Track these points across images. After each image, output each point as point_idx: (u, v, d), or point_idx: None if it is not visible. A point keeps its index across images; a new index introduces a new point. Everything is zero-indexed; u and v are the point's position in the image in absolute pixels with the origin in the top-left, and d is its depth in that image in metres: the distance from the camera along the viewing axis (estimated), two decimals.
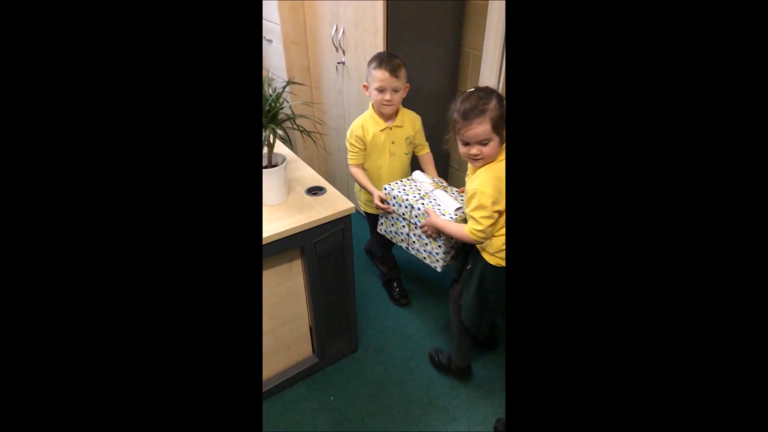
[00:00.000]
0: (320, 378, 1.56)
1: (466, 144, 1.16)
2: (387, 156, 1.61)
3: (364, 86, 1.53)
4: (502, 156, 1.19)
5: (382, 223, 1.58)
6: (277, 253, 1.25)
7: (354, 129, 1.58)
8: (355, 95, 1.96)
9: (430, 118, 1.67)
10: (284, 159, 1.30)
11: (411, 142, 1.61)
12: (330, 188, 1.39)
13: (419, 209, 1.40)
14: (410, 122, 1.60)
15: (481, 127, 1.11)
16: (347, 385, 1.54)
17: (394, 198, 1.47)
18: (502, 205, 1.17)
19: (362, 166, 1.63)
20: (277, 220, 1.25)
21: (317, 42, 2.09)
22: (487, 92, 1.14)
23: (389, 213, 1.51)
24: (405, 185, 1.50)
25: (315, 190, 1.37)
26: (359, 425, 1.41)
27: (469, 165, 1.24)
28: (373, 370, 1.58)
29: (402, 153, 1.61)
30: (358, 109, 1.97)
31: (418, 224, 1.42)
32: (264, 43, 2.40)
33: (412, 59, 1.73)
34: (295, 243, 1.26)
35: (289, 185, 1.36)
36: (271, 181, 1.26)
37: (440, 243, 1.40)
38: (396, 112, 1.57)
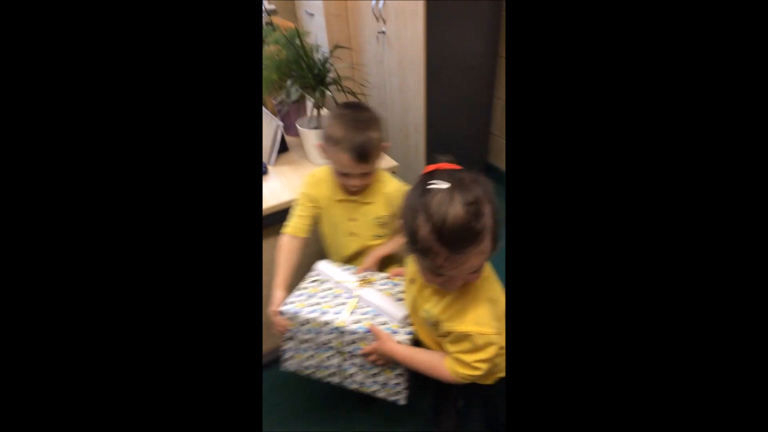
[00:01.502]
0: None
1: (438, 273, 0.72)
2: (344, 237, 1.13)
3: (319, 146, 1.06)
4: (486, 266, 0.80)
5: (289, 357, 1.02)
6: None
7: (307, 181, 1.12)
8: (395, 66, 2.03)
9: (468, 88, 1.68)
10: None
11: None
12: None
13: (355, 332, 0.92)
14: (385, 199, 1.07)
15: (480, 257, 0.70)
16: None
17: (304, 323, 0.95)
18: (503, 339, 0.81)
19: (299, 241, 1.10)
20: None
21: (358, 13, 2.16)
22: (471, 189, 0.68)
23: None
24: (312, 294, 1.00)
25: None
26: None
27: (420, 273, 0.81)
28: None
29: (368, 235, 1.12)
30: (398, 79, 2.03)
31: (357, 352, 0.94)
32: (306, 17, 2.49)
33: (451, 26, 1.77)
34: None
35: None
36: (314, 142, 1.37)
37: (399, 371, 0.95)
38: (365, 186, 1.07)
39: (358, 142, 0.94)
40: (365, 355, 0.93)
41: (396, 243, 1.10)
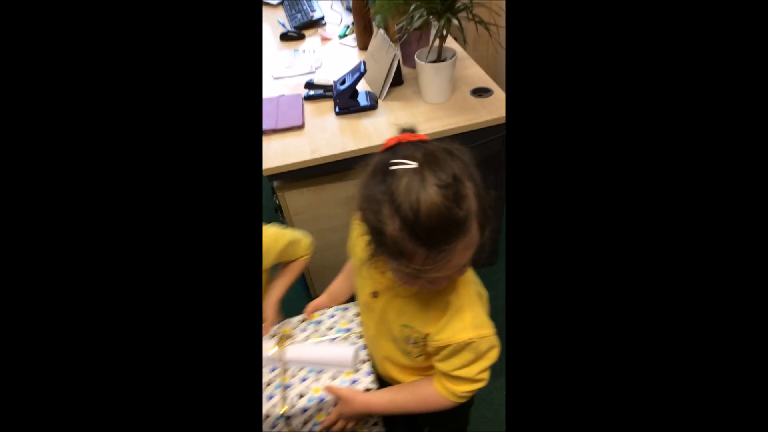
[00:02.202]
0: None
1: (419, 276, 0.55)
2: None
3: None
4: None
5: None
6: None
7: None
8: None
9: None
10: (454, 54, 1.22)
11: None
12: (497, 90, 1.28)
13: (306, 408, 0.74)
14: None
15: (468, 252, 0.55)
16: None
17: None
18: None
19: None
20: (437, 119, 1.21)
21: None
22: (445, 164, 0.51)
23: None
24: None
25: (481, 92, 1.28)
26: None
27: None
28: None
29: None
30: None
31: (318, 429, 0.78)
32: None
33: None
34: None
35: (454, 84, 1.29)
36: (437, 77, 1.21)
37: (374, 420, 0.82)
38: None
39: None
40: (329, 426, 0.75)
41: (289, 275, 0.91)
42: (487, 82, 1.32)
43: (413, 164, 0.51)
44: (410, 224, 0.49)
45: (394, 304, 0.69)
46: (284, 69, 1.53)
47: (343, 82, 1.27)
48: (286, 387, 0.76)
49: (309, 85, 1.35)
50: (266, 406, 0.74)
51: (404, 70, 1.38)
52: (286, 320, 0.89)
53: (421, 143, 0.55)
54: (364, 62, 1.25)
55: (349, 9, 1.75)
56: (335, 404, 0.75)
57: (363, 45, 1.53)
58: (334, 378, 0.76)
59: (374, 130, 1.21)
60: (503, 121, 1.20)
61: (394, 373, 0.78)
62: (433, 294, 0.65)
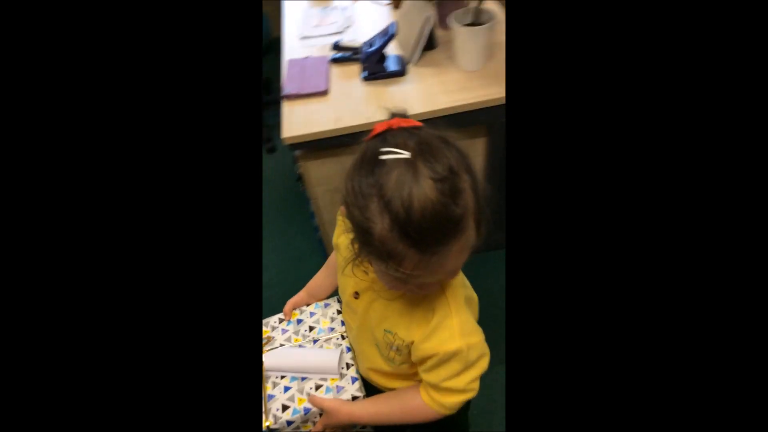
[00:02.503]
0: (478, 259, 1.55)
1: (408, 280, 0.50)
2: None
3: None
4: None
5: None
6: (462, 126, 1.16)
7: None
8: None
9: None
10: (492, 17, 1.11)
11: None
12: None
13: (291, 421, 0.70)
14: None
15: (464, 255, 0.50)
16: (500, 273, 1.51)
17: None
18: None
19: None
20: (470, 89, 1.13)
21: None
22: (441, 155, 0.46)
23: None
24: None
25: None
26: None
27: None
28: None
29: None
30: None
31: None
32: None
33: None
34: (482, 118, 1.15)
35: (491, 50, 1.19)
36: (471, 42, 1.12)
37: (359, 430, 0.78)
38: None
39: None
40: None
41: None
42: None
43: (405, 154, 0.45)
44: (401, 223, 0.44)
45: (376, 307, 0.65)
46: (312, 28, 1.45)
47: (371, 45, 1.19)
48: (269, 398, 0.72)
49: (336, 46, 1.28)
50: None
51: (439, 32, 1.28)
52: (264, 320, 0.83)
53: (414, 130, 0.49)
54: (395, 23, 1.16)
55: None
56: (321, 414, 0.72)
57: (396, 4, 1.43)
58: (318, 387, 0.73)
59: (402, 99, 1.14)
60: None
61: (377, 379, 0.73)
62: (419, 298, 0.60)
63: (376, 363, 0.70)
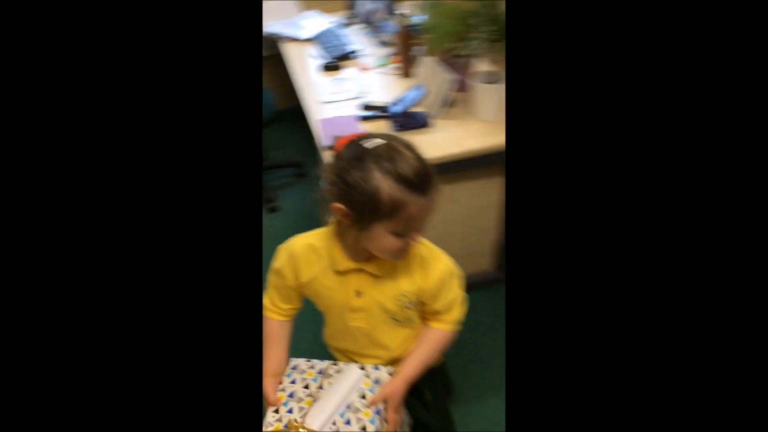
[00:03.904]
0: (495, 291, 1.68)
1: (403, 234, 0.67)
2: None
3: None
4: None
5: None
6: (480, 166, 1.35)
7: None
8: None
9: None
10: (501, 78, 1.36)
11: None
12: None
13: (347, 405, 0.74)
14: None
15: (435, 203, 0.69)
16: None
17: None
18: None
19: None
20: (491, 134, 1.33)
21: None
22: (398, 138, 0.68)
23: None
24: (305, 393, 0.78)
25: None
26: None
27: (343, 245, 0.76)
28: None
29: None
30: None
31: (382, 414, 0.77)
32: None
33: None
34: (499, 160, 1.35)
35: (502, 104, 1.42)
36: (489, 98, 1.34)
37: (405, 418, 0.84)
38: None
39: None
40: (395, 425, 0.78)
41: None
42: None
43: (383, 140, 0.66)
44: (402, 178, 0.63)
45: (380, 288, 0.78)
46: (330, 95, 1.63)
47: (397, 104, 1.38)
48: None
49: (366, 106, 1.46)
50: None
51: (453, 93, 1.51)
52: (266, 422, 0.76)
53: (363, 136, 0.68)
54: (424, 85, 1.37)
55: (383, 43, 1.89)
56: (384, 407, 0.77)
57: (405, 73, 1.66)
58: (363, 397, 0.76)
59: (431, 144, 1.31)
60: None
61: (386, 351, 0.84)
62: (407, 261, 0.77)
63: (391, 337, 0.83)
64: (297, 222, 2.06)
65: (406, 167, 0.63)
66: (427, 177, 0.65)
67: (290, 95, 2.14)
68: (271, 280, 0.84)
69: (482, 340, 1.52)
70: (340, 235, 0.75)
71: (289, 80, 1.96)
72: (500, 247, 1.61)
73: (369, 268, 0.76)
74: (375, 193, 0.63)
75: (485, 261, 1.68)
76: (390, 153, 0.64)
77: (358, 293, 0.78)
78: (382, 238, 0.68)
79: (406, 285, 0.77)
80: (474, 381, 1.42)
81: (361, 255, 0.75)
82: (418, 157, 0.66)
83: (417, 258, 0.78)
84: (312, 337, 0.84)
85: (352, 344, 0.85)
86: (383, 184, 0.63)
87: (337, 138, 0.72)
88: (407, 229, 0.67)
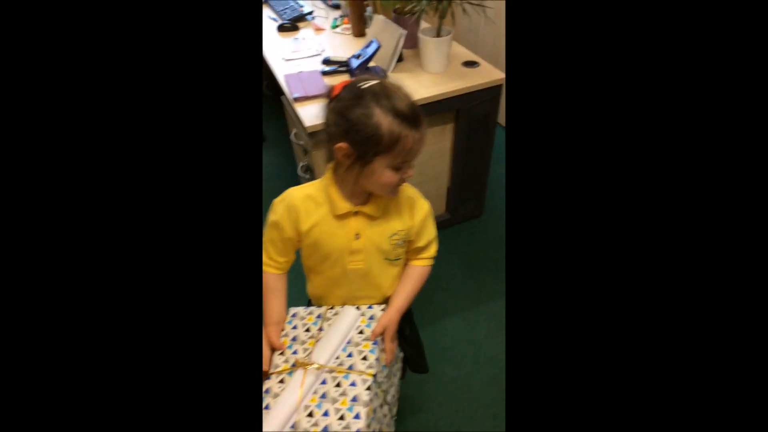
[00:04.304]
0: (450, 232, 1.87)
1: (400, 167, 0.75)
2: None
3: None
4: None
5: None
6: (433, 114, 1.51)
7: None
8: None
9: None
10: (450, 31, 1.51)
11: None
12: (483, 63, 1.59)
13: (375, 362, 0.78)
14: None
15: (425, 134, 0.76)
16: (473, 241, 1.84)
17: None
18: None
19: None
20: (440, 84, 1.49)
21: None
22: (386, 81, 0.75)
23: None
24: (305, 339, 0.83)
25: (470, 64, 1.58)
26: (486, 269, 1.72)
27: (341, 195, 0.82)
28: (495, 233, 1.87)
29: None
30: None
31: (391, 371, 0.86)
32: None
33: None
34: (451, 106, 1.51)
35: (449, 57, 1.58)
36: (438, 50, 1.49)
37: (398, 352, 0.95)
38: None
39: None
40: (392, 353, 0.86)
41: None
42: (472, 57, 1.63)
43: (377, 80, 0.73)
44: (401, 112, 0.70)
45: (376, 228, 0.84)
46: (291, 53, 1.72)
47: (358, 57, 1.50)
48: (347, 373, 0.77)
49: (326, 61, 1.56)
50: (364, 395, 0.73)
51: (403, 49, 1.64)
52: (273, 364, 0.81)
53: (357, 79, 0.74)
54: (377, 40, 1.49)
55: (334, 5, 1.98)
56: (382, 339, 0.83)
57: (358, 32, 1.77)
58: (362, 332, 0.82)
59: None
60: (491, 84, 1.51)
61: (378, 290, 0.91)
62: (393, 199, 0.84)
63: (384, 276, 0.90)
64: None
65: (401, 103, 0.70)
66: (419, 112, 0.72)
67: None
68: (267, 234, 0.86)
69: (440, 273, 1.71)
70: (339, 180, 0.81)
71: None
72: (451, 191, 1.79)
73: (366, 209, 0.82)
74: (377, 128, 0.69)
75: (440, 205, 1.85)
76: (386, 91, 0.70)
77: (357, 235, 0.84)
78: (381, 172, 0.74)
79: (398, 224, 0.85)
80: (436, 306, 1.61)
81: (359, 198, 0.82)
82: (408, 95, 0.72)
83: (406, 199, 0.86)
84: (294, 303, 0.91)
85: (348, 288, 0.89)
86: (383, 119, 0.69)
87: (329, 87, 0.77)
88: (404, 161, 0.74)
